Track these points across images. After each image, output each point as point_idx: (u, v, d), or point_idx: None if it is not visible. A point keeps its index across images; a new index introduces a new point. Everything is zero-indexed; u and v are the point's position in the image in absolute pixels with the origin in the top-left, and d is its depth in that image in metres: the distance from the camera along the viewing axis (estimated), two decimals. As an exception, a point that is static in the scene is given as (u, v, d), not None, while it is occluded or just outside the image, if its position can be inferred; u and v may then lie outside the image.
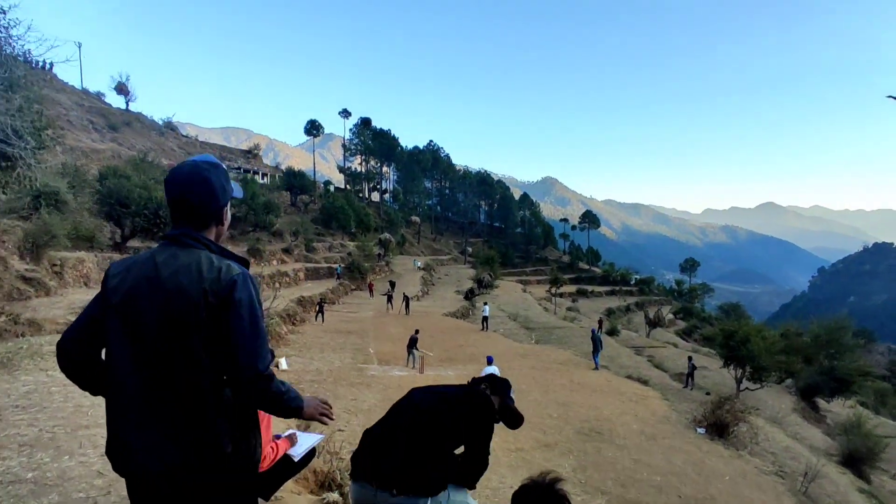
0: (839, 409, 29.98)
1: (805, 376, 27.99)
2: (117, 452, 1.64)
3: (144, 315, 1.58)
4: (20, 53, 10.71)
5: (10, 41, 10.04)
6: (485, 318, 29.04)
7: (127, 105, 64.96)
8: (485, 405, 2.51)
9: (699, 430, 11.90)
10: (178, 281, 1.57)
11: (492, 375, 2.70)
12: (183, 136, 72.59)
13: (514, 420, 2.59)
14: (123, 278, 1.63)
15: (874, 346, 77.63)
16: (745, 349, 21.04)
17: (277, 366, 16.02)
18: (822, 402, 30.09)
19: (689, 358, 23.49)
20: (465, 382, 2.70)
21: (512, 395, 2.65)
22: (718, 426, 11.73)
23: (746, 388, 22.12)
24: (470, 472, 2.47)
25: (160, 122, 68.33)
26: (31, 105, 10.36)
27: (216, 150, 76.04)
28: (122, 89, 63.76)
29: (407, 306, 31.75)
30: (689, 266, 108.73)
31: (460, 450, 2.50)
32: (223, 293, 1.58)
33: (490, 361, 11.03)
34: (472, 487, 2.53)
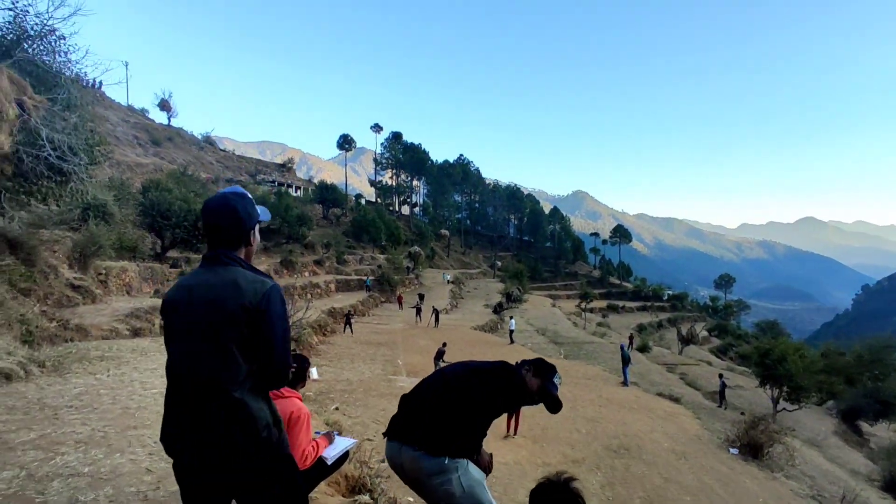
0: (884, 432, 28.74)
1: (847, 398, 26.97)
2: (170, 438, 1.92)
3: (198, 322, 1.88)
4: (76, 75, 11.44)
5: (70, 65, 10.79)
6: (511, 332, 29.07)
7: (169, 120, 67.65)
8: (516, 382, 2.61)
9: (732, 450, 11.65)
10: (221, 294, 1.87)
11: (539, 359, 2.79)
12: (221, 150, 75.04)
13: (553, 405, 2.65)
14: (183, 295, 1.95)
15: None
16: (782, 368, 20.45)
17: (309, 375, 16.30)
18: (865, 426, 28.89)
19: (720, 375, 22.96)
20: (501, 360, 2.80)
21: (556, 381, 2.71)
22: (752, 447, 11.46)
23: (783, 408, 21.46)
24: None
25: (199, 137, 70.85)
26: (84, 123, 11.03)
27: (252, 164, 78.22)
28: (164, 106, 66.47)
29: (436, 319, 31.92)
30: (724, 282, 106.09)
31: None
32: (261, 305, 1.87)
33: None
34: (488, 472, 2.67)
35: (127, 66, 67.81)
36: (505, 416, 10.58)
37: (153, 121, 66.81)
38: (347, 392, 14.61)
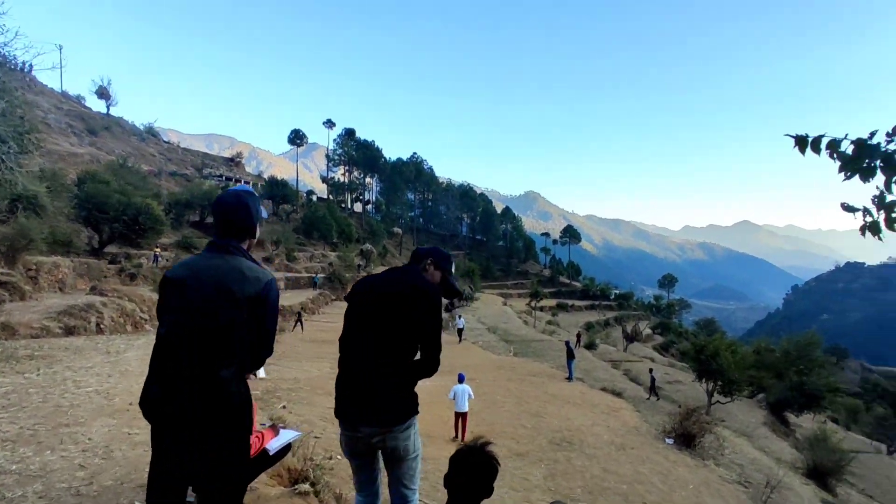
0: (808, 423, 30.71)
1: (775, 391, 28.66)
2: (151, 404, 2.03)
3: (203, 300, 2.03)
4: (3, 58, 10.73)
5: (-4, 47, 10.10)
6: (460, 330, 29.17)
7: (108, 109, 64.35)
8: (431, 295, 2.53)
9: (667, 440, 12.22)
10: (228, 278, 2.06)
11: (435, 248, 2.82)
12: (164, 141, 72.04)
13: (453, 292, 2.77)
14: (189, 274, 2.09)
15: (847, 363, 79.55)
16: (716, 363, 21.55)
17: (255, 375, 16.02)
18: (792, 417, 30.78)
19: (650, 370, 23.95)
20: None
21: (452, 269, 2.79)
22: (686, 437, 12.06)
23: (717, 401, 22.60)
24: (424, 371, 2.54)
25: (141, 128, 67.72)
26: (13, 109, 10.38)
27: (198, 157, 75.48)
28: (103, 93, 63.13)
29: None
30: (668, 282, 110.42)
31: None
32: (261, 293, 2.09)
33: (461, 379, 11.15)
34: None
35: (61, 49, 64.11)
36: (452, 419, 10.66)
37: (90, 109, 63.45)
38: (294, 391, 14.38)
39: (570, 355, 19.68)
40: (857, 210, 1.78)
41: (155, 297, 21.47)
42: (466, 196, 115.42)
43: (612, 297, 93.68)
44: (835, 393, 29.46)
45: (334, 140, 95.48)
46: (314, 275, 43.73)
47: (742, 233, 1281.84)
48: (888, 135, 1.74)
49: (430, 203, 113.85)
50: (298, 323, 26.18)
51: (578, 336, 38.71)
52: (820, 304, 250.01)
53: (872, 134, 1.78)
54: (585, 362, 29.71)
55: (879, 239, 1.76)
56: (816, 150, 1.89)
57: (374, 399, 2.40)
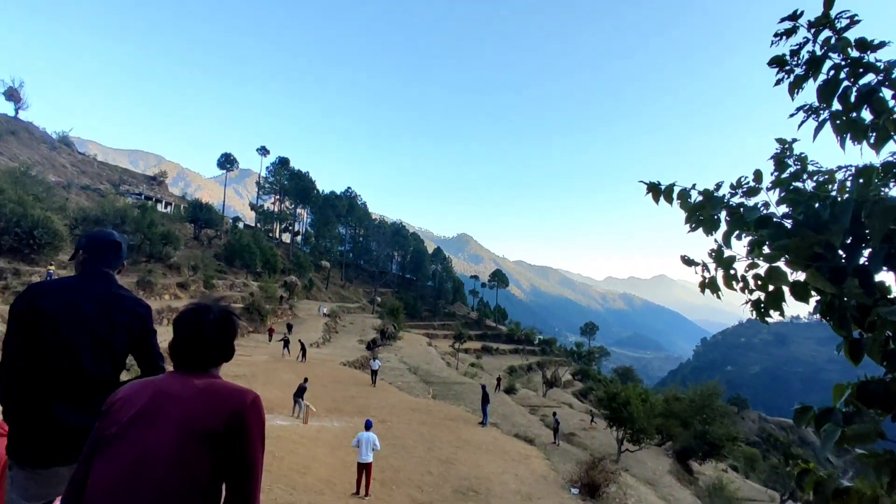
0: (711, 471, 31.97)
1: (681, 439, 29.72)
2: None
3: (84, 324, 2.23)
4: None
5: None
6: (374, 372, 27.35)
7: (16, 113, 59.53)
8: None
9: (573, 490, 12.19)
10: (108, 305, 2.31)
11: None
12: (79, 153, 67.43)
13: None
14: (60, 299, 2.23)
15: (747, 413, 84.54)
16: (626, 411, 22.10)
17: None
18: (696, 465, 31.96)
19: (554, 413, 24.19)
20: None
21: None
22: (591, 486, 12.08)
23: (626, 449, 23.08)
24: None
25: (54, 136, 63.17)
26: None
27: (116, 173, 71.18)
28: (12, 95, 58.39)
29: (303, 353, 30.40)
30: (589, 329, 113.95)
31: None
32: (147, 321, 2.45)
33: (368, 426, 10.61)
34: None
35: (-30, 47, 59.64)
36: (355, 470, 9.96)
37: (-5, 112, 58.51)
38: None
39: (486, 399, 19.54)
40: (697, 264, 1.72)
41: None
42: (398, 234, 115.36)
43: (537, 341, 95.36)
44: (733, 442, 30.94)
45: (267, 168, 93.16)
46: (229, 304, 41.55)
47: (659, 285, 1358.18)
48: (732, 187, 1.71)
49: (361, 238, 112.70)
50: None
51: (499, 380, 38.79)
52: (725, 355, 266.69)
53: (719, 185, 1.75)
54: (504, 407, 29.68)
55: (718, 297, 1.70)
56: (668, 199, 1.84)
57: None
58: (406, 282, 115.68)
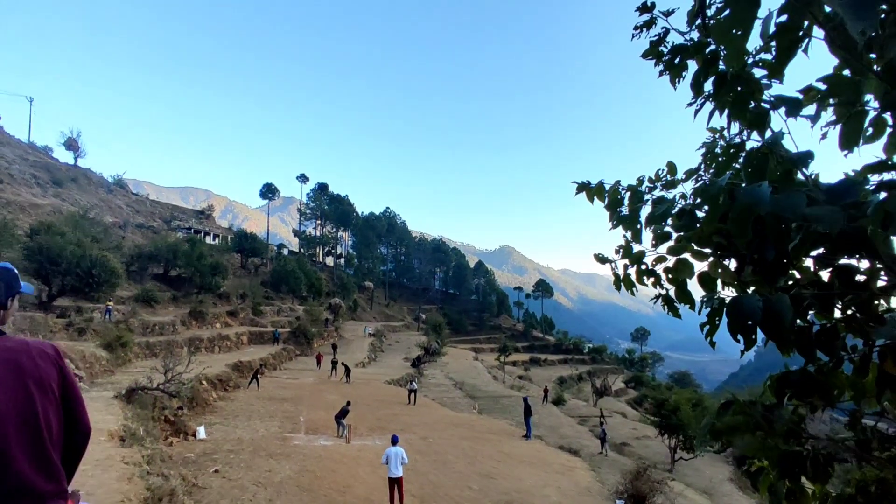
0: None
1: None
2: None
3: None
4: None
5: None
6: (412, 392, 26.74)
7: (76, 161, 63.58)
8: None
9: (619, 501, 11.82)
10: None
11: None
12: (133, 194, 71.21)
13: None
14: None
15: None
16: (676, 418, 21.28)
17: (195, 434, 15.22)
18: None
19: (601, 423, 23.45)
20: None
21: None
22: (637, 497, 11.69)
23: (681, 457, 22.19)
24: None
25: (110, 179, 67.03)
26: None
27: (167, 210, 74.67)
28: (71, 145, 62.52)
29: (347, 375, 30.82)
30: (640, 335, 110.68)
31: None
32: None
33: (395, 441, 10.66)
34: None
35: (32, 101, 64.34)
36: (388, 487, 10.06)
37: (57, 160, 62.64)
38: (234, 452, 13.68)
39: (528, 412, 19.27)
40: (610, 261, 1.71)
41: (100, 353, 20.29)
42: (439, 250, 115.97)
43: (586, 350, 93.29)
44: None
45: (307, 194, 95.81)
46: (276, 329, 42.71)
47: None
48: (651, 180, 1.70)
49: (402, 257, 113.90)
50: (255, 379, 25.30)
51: (546, 391, 38.12)
52: (792, 355, 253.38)
53: (641, 180, 1.74)
54: (551, 419, 29.15)
55: (632, 293, 1.69)
56: (599, 197, 1.84)
57: None
58: (449, 297, 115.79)
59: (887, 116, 1.33)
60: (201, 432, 15.24)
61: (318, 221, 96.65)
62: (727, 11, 1.18)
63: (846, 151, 1.33)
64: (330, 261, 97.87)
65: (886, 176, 1.23)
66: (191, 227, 68.46)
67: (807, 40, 1.24)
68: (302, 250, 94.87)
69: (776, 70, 1.32)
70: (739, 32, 1.21)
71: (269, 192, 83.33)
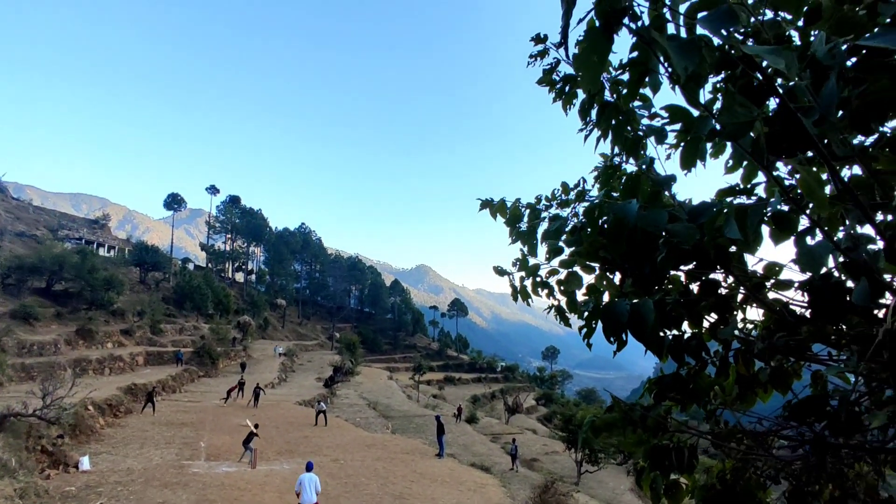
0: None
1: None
2: None
3: None
4: None
5: None
6: (320, 413, 25.35)
7: (-56, 161, 56.83)
8: None
9: (527, 515, 12.11)
10: None
11: None
12: (13, 198, 64.55)
13: None
14: None
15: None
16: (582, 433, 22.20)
17: (77, 466, 13.82)
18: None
19: (513, 440, 24.03)
20: None
21: None
22: (544, 511, 12.04)
23: (587, 470, 23.13)
24: None
25: (-15, 183, 60.42)
26: None
27: (54, 218, 68.30)
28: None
29: (256, 398, 29.08)
30: (550, 353, 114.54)
31: None
32: None
33: (309, 468, 10.37)
34: None
35: None
36: None
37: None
38: (123, 484, 12.59)
39: (441, 430, 19.34)
40: (508, 273, 1.82)
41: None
42: (355, 268, 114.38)
43: (499, 369, 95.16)
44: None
45: (217, 207, 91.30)
46: (178, 349, 40.01)
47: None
48: (547, 199, 1.83)
49: (317, 274, 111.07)
50: (150, 403, 23.49)
51: (459, 410, 38.42)
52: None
53: (539, 198, 1.86)
54: (464, 437, 29.39)
55: (528, 304, 1.81)
56: (501, 214, 1.95)
57: None
58: (365, 316, 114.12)
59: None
60: (84, 463, 13.87)
61: (229, 236, 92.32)
62: (586, 44, 1.34)
63: (685, 171, 1.53)
64: (240, 277, 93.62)
65: (737, 200, 1.43)
66: (81, 238, 62.93)
67: (652, 74, 1.43)
68: (210, 265, 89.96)
69: (635, 97, 1.51)
70: (596, 59, 1.35)
71: (174, 202, 78.47)
